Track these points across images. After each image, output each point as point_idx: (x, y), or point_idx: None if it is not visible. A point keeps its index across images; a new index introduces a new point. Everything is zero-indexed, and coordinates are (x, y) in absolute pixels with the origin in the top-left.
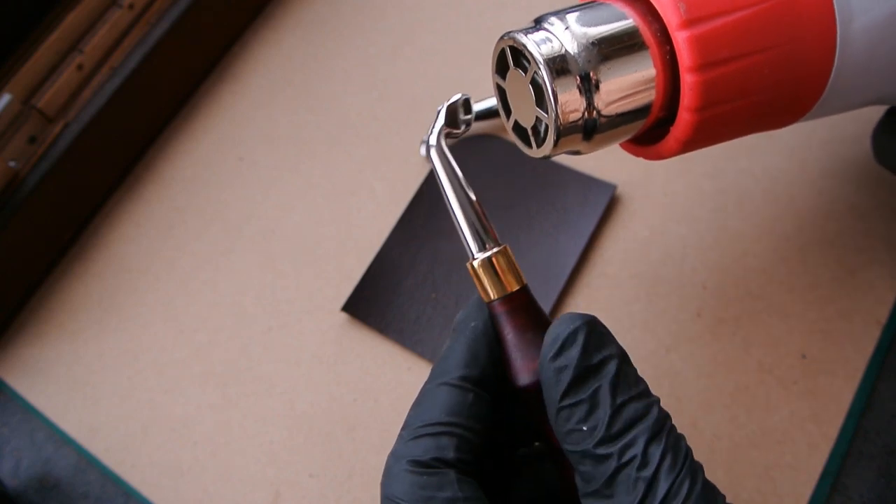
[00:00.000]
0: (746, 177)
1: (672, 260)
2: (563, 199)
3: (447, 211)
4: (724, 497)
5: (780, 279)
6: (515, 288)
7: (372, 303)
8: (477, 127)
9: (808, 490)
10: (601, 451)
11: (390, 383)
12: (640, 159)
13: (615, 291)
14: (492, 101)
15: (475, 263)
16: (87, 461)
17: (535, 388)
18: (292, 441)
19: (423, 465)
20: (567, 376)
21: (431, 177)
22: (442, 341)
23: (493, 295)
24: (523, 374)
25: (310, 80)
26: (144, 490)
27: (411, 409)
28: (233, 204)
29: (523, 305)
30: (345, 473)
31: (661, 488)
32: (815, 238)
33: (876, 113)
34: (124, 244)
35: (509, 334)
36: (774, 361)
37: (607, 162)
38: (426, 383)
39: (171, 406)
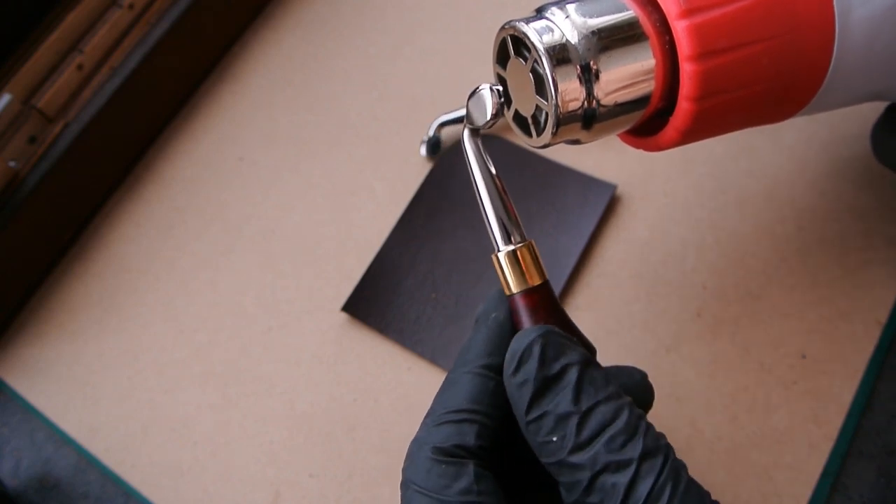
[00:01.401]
0: (747, 177)
1: (672, 260)
2: (563, 199)
3: (447, 211)
4: (709, 494)
5: (780, 279)
6: (538, 282)
7: (372, 303)
8: None
9: (808, 490)
10: (574, 459)
11: (390, 383)
12: (641, 159)
13: (615, 291)
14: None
15: (500, 256)
16: (87, 461)
17: None
18: (292, 441)
19: (445, 453)
20: (528, 390)
21: (431, 177)
22: (442, 341)
23: (514, 288)
24: None
25: (310, 80)
26: (144, 490)
27: (435, 397)
28: (233, 204)
29: (543, 300)
30: (345, 473)
31: (641, 492)
32: (816, 238)
33: (876, 112)
34: (124, 244)
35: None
36: (774, 361)
37: (607, 162)
38: (450, 373)
39: (171, 406)
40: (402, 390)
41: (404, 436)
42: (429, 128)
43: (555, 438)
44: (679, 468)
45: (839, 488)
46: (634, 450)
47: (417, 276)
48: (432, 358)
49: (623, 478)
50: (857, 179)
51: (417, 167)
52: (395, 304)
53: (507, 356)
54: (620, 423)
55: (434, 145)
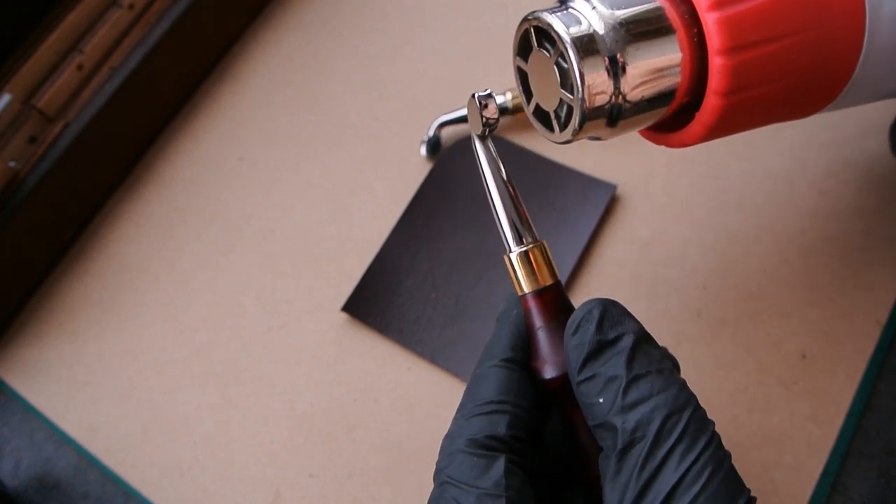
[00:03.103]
0: (747, 177)
1: (672, 260)
2: (563, 199)
3: (447, 211)
4: (749, 491)
5: (780, 279)
6: (549, 282)
7: (372, 303)
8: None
9: (808, 490)
10: (615, 421)
11: (390, 383)
12: (641, 159)
13: (615, 291)
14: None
15: (512, 256)
16: (87, 461)
17: (561, 383)
18: (292, 441)
19: (477, 445)
20: (583, 351)
21: (431, 177)
22: (442, 341)
23: (526, 288)
24: (550, 367)
25: (310, 80)
26: (144, 490)
27: (464, 394)
28: (233, 204)
29: (555, 300)
30: (345, 473)
31: (674, 471)
32: (816, 238)
33: (878, 113)
34: (124, 244)
35: (539, 328)
36: (774, 361)
37: (607, 162)
38: (475, 369)
39: (171, 406)
40: (402, 390)
41: (404, 436)
42: (429, 128)
43: (601, 400)
44: (723, 457)
45: (839, 488)
46: (677, 426)
47: (417, 276)
48: (432, 358)
49: (658, 451)
50: (857, 180)
51: (417, 167)
52: (395, 304)
53: (569, 321)
54: (669, 395)
55: (434, 145)
